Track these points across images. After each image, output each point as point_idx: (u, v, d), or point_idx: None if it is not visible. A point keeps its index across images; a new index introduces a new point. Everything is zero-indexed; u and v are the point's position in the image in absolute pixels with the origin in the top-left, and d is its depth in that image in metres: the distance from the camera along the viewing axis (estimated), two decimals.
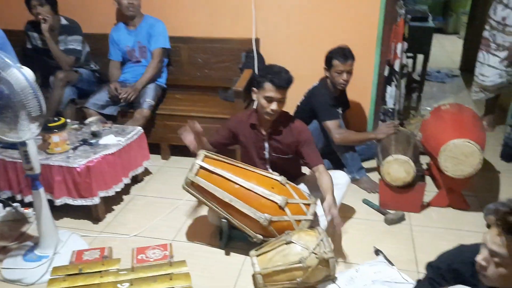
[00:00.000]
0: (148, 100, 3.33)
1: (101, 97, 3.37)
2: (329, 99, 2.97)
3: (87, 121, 3.03)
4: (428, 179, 3.12)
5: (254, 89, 2.42)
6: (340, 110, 3.07)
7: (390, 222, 2.64)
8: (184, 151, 3.45)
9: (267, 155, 2.52)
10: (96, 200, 2.60)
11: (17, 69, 1.88)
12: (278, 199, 2.24)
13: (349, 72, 2.96)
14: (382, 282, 2.02)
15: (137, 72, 3.51)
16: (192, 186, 2.28)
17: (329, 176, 2.40)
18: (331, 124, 2.93)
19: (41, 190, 2.23)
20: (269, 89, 2.32)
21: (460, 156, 2.56)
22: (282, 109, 2.41)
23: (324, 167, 2.45)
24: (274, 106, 2.34)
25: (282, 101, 2.37)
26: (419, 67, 4.86)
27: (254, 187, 2.26)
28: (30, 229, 2.65)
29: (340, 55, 2.92)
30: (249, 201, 2.24)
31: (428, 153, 2.90)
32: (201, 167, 2.26)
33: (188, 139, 2.49)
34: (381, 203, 2.85)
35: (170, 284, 1.82)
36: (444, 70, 5.68)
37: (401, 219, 2.69)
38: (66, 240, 2.41)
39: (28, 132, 1.98)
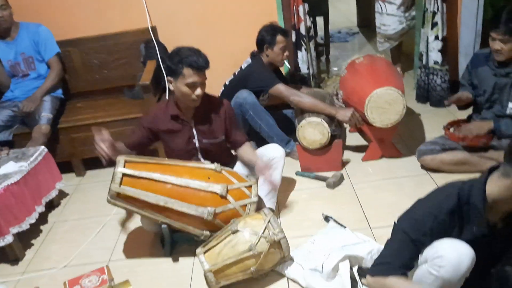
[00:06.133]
0: (45, 114, 2.95)
1: None
2: (270, 71, 2.89)
3: None
4: (356, 136, 3.13)
5: (170, 78, 2.19)
6: None
7: (332, 185, 2.59)
8: (99, 163, 3.15)
9: (197, 143, 2.32)
10: (9, 239, 2.24)
11: None
12: (218, 188, 2.07)
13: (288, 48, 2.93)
14: (340, 247, 1.93)
15: (27, 87, 3.10)
16: (118, 197, 2.02)
17: (252, 149, 2.39)
18: (281, 87, 2.81)
19: None
20: (190, 75, 2.12)
21: (384, 105, 2.55)
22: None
23: (249, 144, 2.39)
24: (198, 91, 2.15)
25: (205, 83, 2.19)
26: (320, 32, 4.88)
27: (188, 182, 2.06)
28: None
29: (282, 31, 2.86)
30: (186, 198, 2.04)
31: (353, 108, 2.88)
32: (124, 174, 2.01)
33: (100, 151, 2.15)
34: (303, 168, 2.81)
35: None
36: (344, 30, 5.78)
37: (341, 180, 2.65)
38: None
39: None
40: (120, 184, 1.99)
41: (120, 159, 2.06)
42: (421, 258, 1.47)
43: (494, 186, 1.34)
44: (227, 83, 3.04)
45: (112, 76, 3.43)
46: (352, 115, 2.69)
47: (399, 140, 2.97)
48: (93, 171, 3.23)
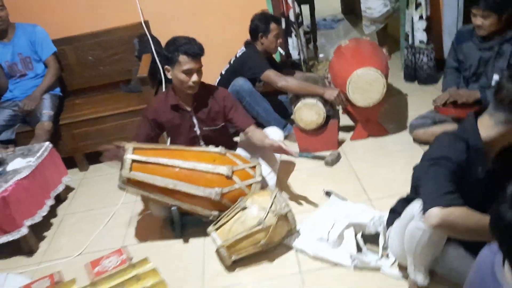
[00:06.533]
0: (46, 111, 3.01)
1: None
2: (263, 58, 2.98)
3: None
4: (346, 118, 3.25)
5: (168, 67, 2.29)
6: None
7: (330, 163, 2.70)
8: None
9: (198, 131, 2.41)
10: (24, 231, 2.31)
11: None
12: (223, 169, 2.17)
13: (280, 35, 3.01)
14: (344, 218, 2.05)
15: (25, 87, 3.16)
16: (129, 183, 2.11)
17: (261, 130, 2.43)
18: (270, 73, 2.89)
19: None
20: (186, 62, 2.21)
21: (365, 85, 2.66)
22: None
23: (255, 126, 2.43)
24: (195, 77, 2.24)
25: (201, 70, 2.28)
26: (306, 21, 4.97)
27: (195, 165, 2.15)
28: None
29: (274, 19, 2.95)
30: (194, 180, 2.14)
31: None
32: (134, 161, 2.10)
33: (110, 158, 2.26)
34: (301, 149, 2.91)
35: (140, 285, 1.68)
36: (329, 17, 5.88)
37: (338, 157, 2.76)
38: (3, 282, 2.13)
39: None
40: (130, 170, 2.08)
41: (129, 146, 2.14)
42: (406, 217, 1.55)
43: (488, 127, 1.43)
44: (223, 72, 3.13)
45: (107, 72, 3.49)
46: (338, 94, 2.78)
47: (391, 118, 3.09)
48: (96, 165, 3.29)
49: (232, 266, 2.06)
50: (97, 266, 1.85)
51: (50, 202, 2.59)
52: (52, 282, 1.82)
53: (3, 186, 2.29)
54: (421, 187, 1.46)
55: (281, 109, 3.22)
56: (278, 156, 2.52)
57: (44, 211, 2.49)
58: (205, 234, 2.23)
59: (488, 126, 1.43)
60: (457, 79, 2.70)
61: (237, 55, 3.06)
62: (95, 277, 1.79)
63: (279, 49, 3.16)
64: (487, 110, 1.46)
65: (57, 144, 3.09)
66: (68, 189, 3.00)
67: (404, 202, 1.72)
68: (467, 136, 1.45)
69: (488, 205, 1.51)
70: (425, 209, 1.37)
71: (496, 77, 2.53)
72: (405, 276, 1.77)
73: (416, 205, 1.48)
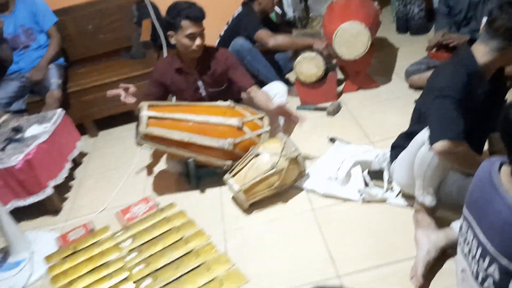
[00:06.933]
0: (54, 80, 3.11)
1: (2, 94, 3.08)
2: (257, 19, 3.05)
3: None
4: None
5: (171, 33, 2.37)
6: None
7: (332, 113, 2.84)
8: (110, 122, 3.35)
9: (203, 93, 2.52)
10: (49, 191, 2.45)
11: None
12: (234, 121, 2.30)
13: None
14: (350, 157, 2.21)
15: (30, 58, 3.23)
16: (146, 139, 2.24)
17: (263, 92, 2.52)
18: (262, 33, 2.98)
19: None
20: (188, 26, 2.30)
21: (350, 38, 2.78)
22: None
23: (257, 87, 2.52)
24: (198, 41, 2.33)
25: (203, 34, 2.37)
26: None
27: (208, 118, 2.29)
28: None
29: None
30: (208, 132, 2.27)
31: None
32: (150, 117, 2.22)
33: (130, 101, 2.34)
34: (302, 102, 3.05)
35: (171, 225, 1.83)
36: None
37: (339, 107, 2.90)
38: (35, 239, 2.28)
39: None
40: (147, 126, 2.21)
41: (143, 104, 2.26)
42: (416, 144, 1.69)
43: (483, 53, 1.57)
44: (222, 33, 3.21)
45: (108, 40, 3.57)
46: (327, 45, 2.90)
47: (386, 68, 3.23)
48: (105, 131, 3.42)
49: (249, 209, 2.23)
50: (127, 213, 2.00)
51: (69, 165, 2.72)
52: (87, 231, 1.97)
53: (25, 150, 2.41)
54: (429, 118, 1.61)
55: (275, 69, 3.33)
56: None
57: (64, 173, 2.63)
58: (219, 184, 2.40)
59: (484, 53, 1.57)
60: (449, 24, 2.82)
61: (234, 16, 3.14)
62: (127, 223, 1.93)
63: (276, 8, 3.24)
64: (480, 39, 1.60)
65: (67, 112, 3.18)
66: (82, 154, 3.13)
67: (404, 137, 1.88)
68: (464, 62, 1.60)
69: (485, 123, 1.68)
70: (432, 140, 1.54)
71: (485, 20, 2.66)
72: (410, 204, 1.95)
73: (426, 133, 1.62)
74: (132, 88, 2.32)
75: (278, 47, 3.00)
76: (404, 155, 1.80)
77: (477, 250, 1.20)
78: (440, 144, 1.52)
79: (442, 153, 1.53)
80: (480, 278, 1.18)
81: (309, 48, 2.93)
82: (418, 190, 1.75)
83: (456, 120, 1.55)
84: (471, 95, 1.59)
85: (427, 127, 1.62)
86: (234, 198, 2.29)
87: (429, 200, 1.74)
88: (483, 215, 1.19)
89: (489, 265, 1.14)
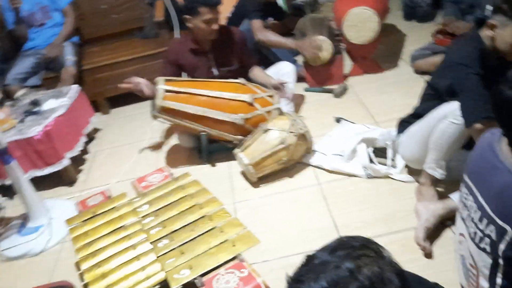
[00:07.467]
0: (69, 57, 3.20)
1: (19, 70, 3.17)
2: (258, 5, 3.08)
3: (17, 95, 2.88)
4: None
5: (188, 17, 2.46)
6: (272, 19, 3.22)
7: (339, 94, 2.93)
8: (122, 101, 3.44)
9: (216, 72, 2.61)
10: (65, 162, 2.56)
11: None
12: (246, 97, 2.40)
13: None
14: (355, 134, 2.31)
15: (45, 35, 3.32)
16: (162, 111, 2.34)
17: (260, 69, 2.68)
18: (255, 23, 3.04)
19: (14, 162, 2.16)
20: (206, 12, 2.39)
21: (359, 23, 2.87)
22: None
23: (258, 67, 2.66)
24: (215, 26, 2.43)
25: (219, 18, 2.46)
26: None
27: (221, 94, 2.38)
28: (7, 213, 2.56)
29: None
30: (220, 107, 2.37)
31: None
32: (166, 91, 2.32)
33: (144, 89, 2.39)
34: (310, 84, 3.13)
35: (186, 193, 1.94)
36: None
37: (345, 89, 2.99)
38: (53, 206, 2.39)
39: None
40: (163, 99, 2.30)
41: (160, 79, 2.36)
42: (435, 118, 1.80)
43: (487, 37, 1.68)
44: (229, 15, 3.29)
45: (120, 19, 3.65)
46: (307, 47, 2.94)
47: (392, 53, 3.31)
48: (116, 108, 3.51)
49: (257, 183, 2.33)
50: (143, 182, 2.10)
51: (84, 138, 2.83)
52: (105, 197, 2.08)
53: (44, 122, 2.51)
54: (462, 94, 1.70)
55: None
56: (292, 85, 2.74)
57: (80, 146, 2.73)
58: (229, 159, 2.50)
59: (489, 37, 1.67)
60: (456, 11, 2.90)
61: None
62: (143, 190, 2.04)
63: None
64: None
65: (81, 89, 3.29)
66: (95, 130, 3.23)
67: (413, 114, 1.98)
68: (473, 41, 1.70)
69: None
70: (470, 119, 1.65)
71: (490, 8, 2.73)
72: (412, 180, 2.06)
73: (451, 106, 1.71)
74: (143, 80, 2.39)
75: (264, 42, 3.04)
76: (417, 128, 1.90)
77: (475, 213, 1.30)
78: (479, 123, 1.62)
79: (481, 131, 1.60)
80: (477, 239, 1.28)
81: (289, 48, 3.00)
82: (429, 163, 1.84)
83: (488, 97, 1.63)
84: (485, 71, 1.69)
85: (450, 102, 1.72)
86: (243, 172, 2.39)
87: (440, 173, 1.83)
88: (483, 180, 1.29)
89: (487, 226, 1.24)
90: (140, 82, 2.36)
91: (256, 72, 2.66)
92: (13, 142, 2.42)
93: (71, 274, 1.92)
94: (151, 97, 2.37)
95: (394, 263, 0.76)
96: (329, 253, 0.76)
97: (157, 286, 1.55)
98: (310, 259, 0.77)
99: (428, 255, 1.71)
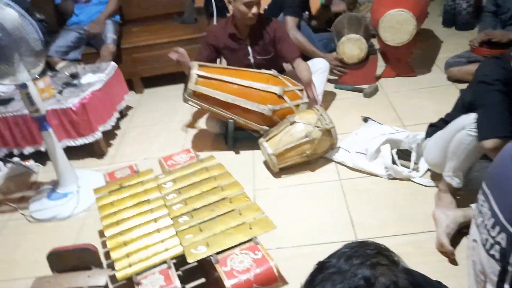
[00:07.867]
0: (110, 35, 3.31)
1: (61, 43, 3.31)
2: (298, 1, 3.12)
3: (58, 67, 3.00)
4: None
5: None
6: (307, 14, 3.26)
7: (369, 94, 2.95)
8: (156, 82, 3.54)
9: (252, 59, 2.66)
10: (98, 135, 2.67)
11: (6, 6, 1.86)
12: (276, 89, 2.44)
13: None
14: (380, 135, 2.32)
15: (90, 12, 3.44)
16: (194, 96, 2.41)
17: (306, 64, 2.64)
18: (290, 20, 3.08)
19: (50, 130, 2.28)
20: None
21: (396, 25, 2.86)
22: None
23: (301, 59, 2.65)
24: (254, 9, 2.47)
25: (260, 3, 2.50)
26: None
27: (252, 84, 2.43)
28: (39, 178, 2.69)
29: None
30: (250, 97, 2.42)
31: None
32: (199, 76, 2.39)
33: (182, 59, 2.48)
34: (341, 81, 3.14)
35: (209, 175, 2.00)
36: None
37: (376, 90, 3.00)
38: (82, 176, 2.50)
39: (27, 73, 2.00)
40: (196, 83, 2.37)
41: (194, 64, 2.43)
42: (455, 127, 1.81)
43: None
44: (266, 7, 3.33)
45: (162, 2, 3.73)
46: (332, 59, 3.00)
47: (427, 59, 3.29)
48: (150, 89, 3.62)
49: (278, 173, 2.38)
50: (170, 160, 2.18)
51: (116, 114, 2.93)
52: (132, 171, 2.16)
53: (81, 95, 2.63)
54: (479, 111, 1.71)
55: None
56: (323, 83, 2.77)
57: (112, 121, 2.84)
58: (254, 148, 2.55)
59: None
60: (494, 23, 2.86)
61: None
62: (169, 169, 2.12)
63: None
64: None
65: (118, 67, 3.40)
66: (128, 107, 3.34)
67: (443, 121, 1.98)
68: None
69: None
70: (483, 136, 1.67)
71: None
72: (433, 184, 2.07)
73: (469, 117, 1.73)
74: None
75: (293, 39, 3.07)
76: (441, 134, 1.91)
77: (489, 220, 1.32)
78: (491, 142, 1.65)
79: (492, 150, 1.65)
80: (488, 245, 1.30)
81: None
82: (447, 171, 1.86)
83: (506, 117, 1.65)
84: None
85: (470, 113, 1.74)
86: (266, 162, 2.45)
87: (456, 182, 1.85)
88: (500, 188, 1.31)
89: (499, 233, 1.26)
90: (185, 55, 2.45)
91: (297, 63, 2.62)
92: (51, 111, 2.54)
93: (94, 240, 2.02)
94: (186, 76, 2.45)
95: (407, 270, 0.76)
96: (344, 261, 0.74)
97: (174, 259, 1.62)
98: (323, 266, 0.76)
99: (454, 261, 1.72)
